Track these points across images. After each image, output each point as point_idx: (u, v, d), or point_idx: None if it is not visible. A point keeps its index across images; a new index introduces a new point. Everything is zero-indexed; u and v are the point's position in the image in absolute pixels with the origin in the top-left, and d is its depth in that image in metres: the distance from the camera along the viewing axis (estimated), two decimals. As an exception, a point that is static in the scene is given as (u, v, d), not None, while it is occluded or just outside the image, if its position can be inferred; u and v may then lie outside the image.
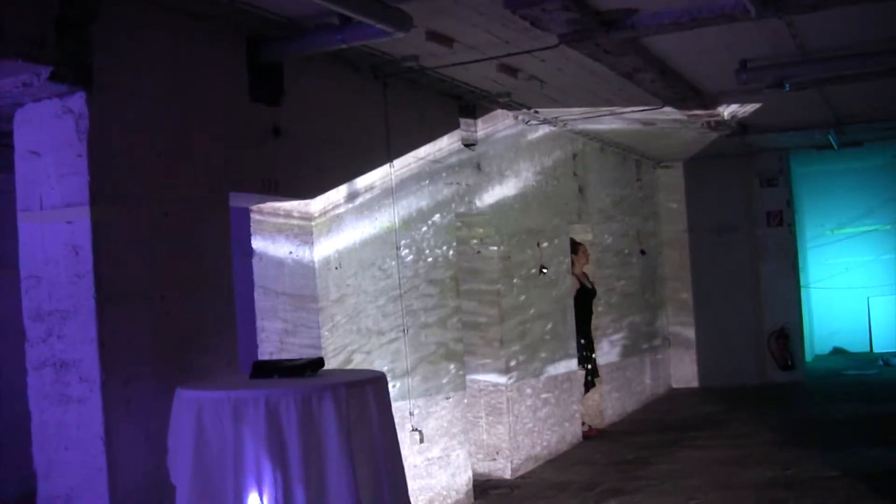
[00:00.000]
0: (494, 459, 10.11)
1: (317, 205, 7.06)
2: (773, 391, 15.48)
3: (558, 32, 7.05)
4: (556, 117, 11.09)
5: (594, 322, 12.79)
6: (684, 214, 16.73)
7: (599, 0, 6.62)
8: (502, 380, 10.09)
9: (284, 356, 6.86)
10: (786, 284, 16.40)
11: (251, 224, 7.15)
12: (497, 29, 7.01)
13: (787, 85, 8.91)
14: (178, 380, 5.31)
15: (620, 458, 10.86)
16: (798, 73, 8.86)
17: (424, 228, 8.54)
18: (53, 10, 4.88)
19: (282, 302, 7.08)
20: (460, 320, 9.22)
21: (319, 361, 5.53)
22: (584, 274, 12.69)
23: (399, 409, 7.65)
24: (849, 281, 19.74)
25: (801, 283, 17.20)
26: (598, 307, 12.97)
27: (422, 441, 8.20)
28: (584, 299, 12.47)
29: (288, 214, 7.03)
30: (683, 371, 16.55)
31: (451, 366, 8.84)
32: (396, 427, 5.54)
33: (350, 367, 7.24)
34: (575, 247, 12.41)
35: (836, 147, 14.78)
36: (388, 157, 8.04)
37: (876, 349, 19.38)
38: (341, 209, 7.36)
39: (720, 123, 12.04)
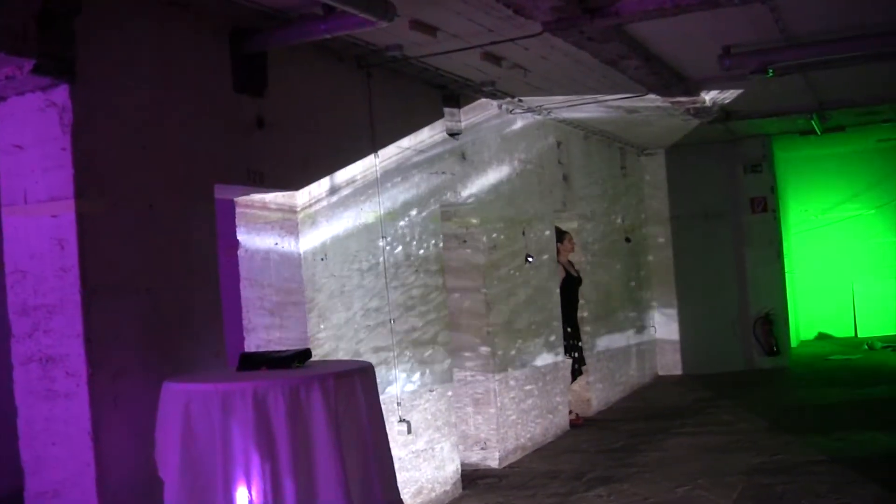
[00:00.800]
0: (483, 449, 10.11)
1: (302, 196, 7.05)
2: (758, 377, 15.52)
3: (542, 20, 7.04)
4: (541, 106, 11.09)
5: (579, 310, 12.79)
6: (669, 202, 16.75)
7: (583, -13, 6.63)
8: (489, 369, 10.09)
9: (271, 348, 6.84)
10: (771, 270, 16.45)
11: (236, 216, 7.12)
12: (480, 17, 7.00)
13: (771, 70, 8.91)
14: (165, 373, 5.29)
15: (608, 447, 10.87)
16: (781, 59, 8.87)
17: (409, 219, 8.53)
18: (36, 3, 4.84)
19: (268, 293, 7.06)
20: (446, 310, 9.21)
21: (307, 353, 5.51)
22: (570, 262, 12.69)
23: (386, 400, 7.64)
24: (833, 266, 19.79)
25: (786, 268, 17.24)
26: (583, 295, 12.96)
27: (409, 432, 8.20)
28: (570, 287, 12.47)
29: (273, 206, 7.01)
30: (669, 358, 16.57)
31: (438, 356, 8.84)
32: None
33: (337, 357, 7.22)
34: (560, 235, 12.40)
35: (819, 132, 14.79)
36: (373, 147, 8.02)
37: (861, 334, 19.47)
38: (326, 200, 7.34)
39: (701, 110, 12.04)
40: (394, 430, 7.83)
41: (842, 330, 19.85)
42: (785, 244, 17.43)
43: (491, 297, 10.17)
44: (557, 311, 11.94)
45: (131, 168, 5.43)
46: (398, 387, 8.13)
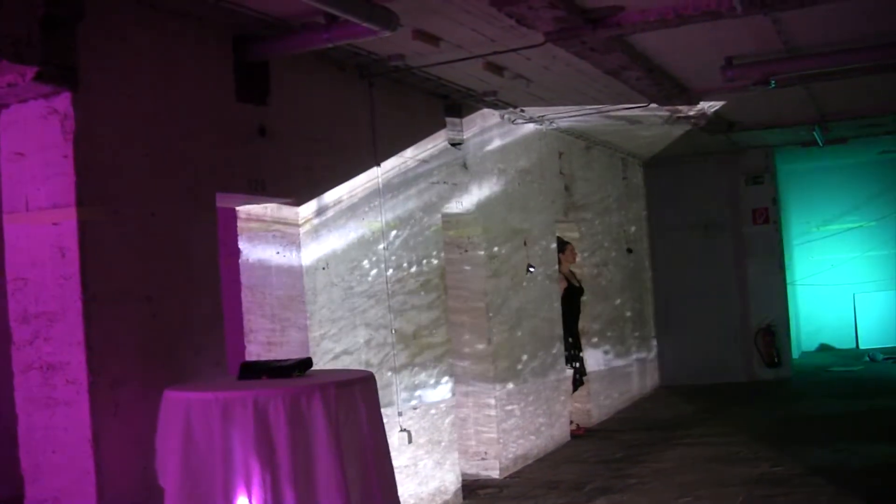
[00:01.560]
0: (483, 459, 10.10)
1: (304, 205, 7.04)
2: (760, 388, 15.52)
3: (544, 30, 7.04)
4: (543, 116, 11.09)
5: (581, 320, 12.78)
6: (671, 212, 16.75)
7: (585, -3, 6.63)
8: (490, 379, 10.08)
9: (272, 356, 6.83)
10: (772, 282, 16.45)
11: (238, 225, 7.12)
12: (483, 27, 7.00)
13: (773, 82, 8.92)
14: (165, 381, 5.28)
15: (609, 457, 10.86)
16: (784, 70, 8.87)
17: (411, 228, 8.53)
18: (39, 10, 4.85)
19: (269, 302, 7.05)
20: (448, 319, 9.21)
21: (308, 362, 5.51)
22: (572, 272, 12.70)
23: (386, 409, 7.63)
24: (835, 278, 19.78)
25: (788, 280, 17.24)
26: (585, 305, 12.96)
27: (410, 441, 8.19)
28: (572, 298, 12.47)
29: (275, 215, 7.00)
30: (671, 369, 16.56)
31: (440, 365, 8.83)
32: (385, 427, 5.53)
33: (338, 367, 7.21)
34: (562, 245, 12.41)
35: (821, 144, 14.80)
36: (375, 156, 8.02)
37: (862, 345, 19.46)
38: (328, 209, 7.34)
39: (696, 117, 12.04)
40: (394, 440, 7.83)
41: (843, 341, 19.83)
42: (786, 255, 17.42)
43: (492, 307, 10.16)
44: (558, 321, 11.93)
45: (133, 176, 5.43)
46: (401, 395, 8.12)
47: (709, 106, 11.48)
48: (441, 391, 8.83)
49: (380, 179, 8.06)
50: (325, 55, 7.16)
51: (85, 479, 5.04)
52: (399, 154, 8.41)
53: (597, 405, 13.21)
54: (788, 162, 17.91)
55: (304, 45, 6.50)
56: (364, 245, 7.79)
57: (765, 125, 13.52)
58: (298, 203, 6.98)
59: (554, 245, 12.05)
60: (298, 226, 6.99)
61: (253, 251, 7.09)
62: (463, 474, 9.36)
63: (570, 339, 12.32)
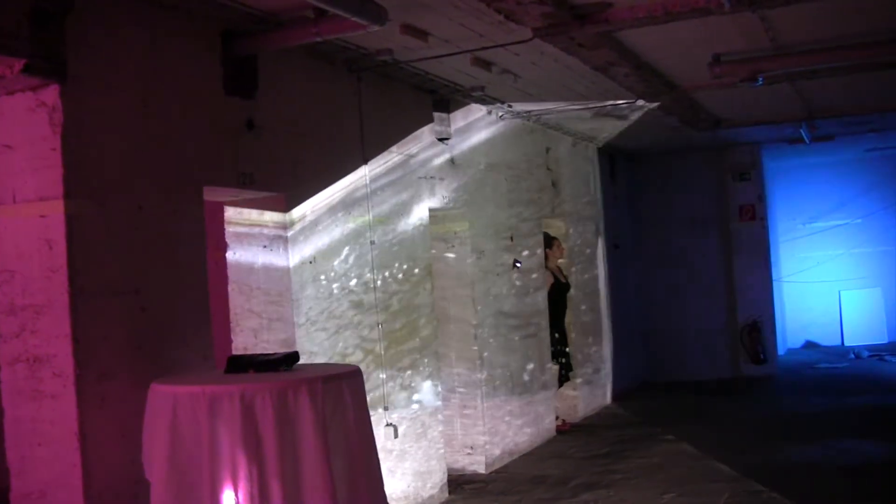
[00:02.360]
0: (469, 454, 10.11)
1: (291, 200, 7.04)
2: (746, 385, 15.56)
3: (532, 26, 7.05)
4: (530, 111, 11.09)
5: (567, 316, 12.80)
6: (657, 209, 16.78)
7: (574, -7, 6.64)
8: (476, 374, 10.09)
9: (259, 351, 6.83)
10: (758, 278, 16.50)
11: (225, 218, 7.12)
12: (471, 22, 7.00)
13: (761, 79, 8.94)
14: (152, 374, 5.28)
15: (594, 452, 10.88)
16: (771, 67, 8.90)
17: (398, 222, 8.53)
18: (27, 3, 4.84)
19: (256, 296, 7.05)
20: (434, 314, 9.21)
21: (295, 356, 5.51)
22: (559, 268, 12.71)
23: (373, 403, 7.64)
24: (820, 275, 19.83)
25: (774, 276, 17.29)
26: (571, 300, 12.97)
27: (396, 436, 8.19)
28: (559, 294, 12.49)
29: (262, 209, 7.00)
30: (657, 364, 16.59)
31: (426, 360, 8.84)
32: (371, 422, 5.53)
33: (324, 361, 7.21)
34: (549, 241, 12.42)
35: (808, 141, 14.84)
36: (363, 150, 8.02)
37: (847, 343, 19.50)
38: (315, 203, 7.34)
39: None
40: (380, 434, 7.83)
41: (828, 338, 19.89)
42: (773, 252, 17.46)
43: (478, 302, 10.16)
44: (545, 316, 11.94)
45: (121, 169, 5.42)
46: (387, 390, 8.12)
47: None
48: (427, 386, 8.83)
49: (367, 174, 8.05)
50: (314, 49, 7.15)
51: (71, 473, 5.04)
52: (387, 148, 8.41)
53: (582, 400, 13.21)
54: (775, 159, 17.95)
55: (293, 39, 6.49)
56: (351, 239, 7.78)
57: (752, 122, 13.54)
58: (286, 196, 6.98)
59: (541, 240, 12.05)
60: (286, 220, 6.98)
61: (240, 244, 7.08)
62: (449, 469, 9.36)
63: (557, 335, 12.34)
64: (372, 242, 8.05)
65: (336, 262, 7.57)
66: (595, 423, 12.86)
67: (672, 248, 16.70)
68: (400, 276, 8.50)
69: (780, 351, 17.80)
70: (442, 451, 9.05)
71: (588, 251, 14.01)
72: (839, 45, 8.51)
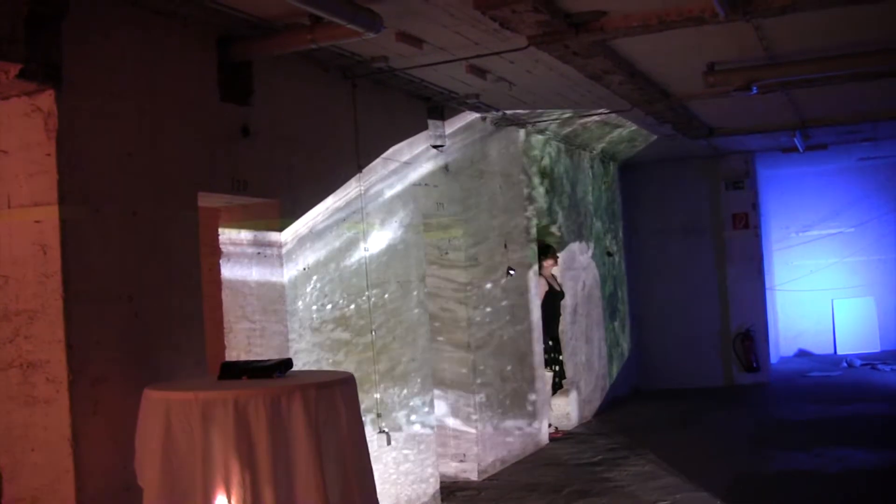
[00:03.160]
0: (462, 461, 10.10)
1: (285, 207, 7.04)
2: (738, 393, 15.58)
3: (528, 34, 7.06)
4: (525, 119, 11.11)
5: (561, 324, 12.81)
6: (650, 217, 16.80)
7: (569, 2, 6.64)
8: (469, 381, 10.09)
9: (252, 357, 6.83)
10: (751, 287, 16.52)
11: (219, 225, 7.12)
12: (467, 30, 7.01)
13: (755, 87, 8.96)
14: (145, 380, 5.28)
15: (587, 460, 10.88)
16: (765, 76, 8.92)
17: (392, 229, 8.53)
18: (23, 8, 4.83)
19: (250, 303, 7.05)
20: (428, 321, 9.21)
21: (288, 362, 5.51)
22: (553, 276, 12.72)
23: (366, 410, 7.64)
24: (813, 283, 19.86)
25: (767, 285, 17.30)
26: (565, 308, 12.98)
27: (389, 443, 8.19)
28: (552, 301, 12.50)
29: (256, 215, 7.00)
30: (649, 373, 16.60)
31: (419, 367, 8.83)
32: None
33: (318, 368, 7.21)
34: (544, 249, 12.43)
35: (801, 150, 14.87)
36: (357, 157, 8.03)
37: (840, 351, 19.53)
38: (309, 210, 7.34)
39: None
40: (374, 441, 7.83)
41: (821, 347, 19.91)
42: (766, 261, 17.48)
43: (473, 308, 10.17)
44: (538, 325, 11.95)
45: (115, 175, 5.42)
46: (380, 396, 8.12)
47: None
48: (420, 392, 8.83)
49: (361, 180, 8.06)
50: (309, 56, 7.16)
51: (64, 478, 5.03)
52: (381, 155, 8.42)
53: (576, 408, 13.21)
54: (769, 167, 17.99)
55: (288, 45, 6.50)
56: (344, 245, 7.78)
57: (746, 130, 13.58)
58: (280, 203, 6.98)
59: (535, 248, 12.06)
60: (279, 226, 6.99)
61: (234, 251, 7.08)
62: (441, 476, 9.36)
63: (550, 343, 12.35)
64: (366, 249, 8.05)
65: (329, 269, 7.56)
66: (588, 431, 12.86)
67: (665, 256, 16.72)
68: (394, 282, 8.50)
69: (773, 359, 17.82)
70: (435, 457, 9.05)
71: (581, 258, 14.01)
72: (833, 54, 8.54)
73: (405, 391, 8.57)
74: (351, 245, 7.87)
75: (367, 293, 8.03)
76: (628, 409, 14.73)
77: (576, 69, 8.34)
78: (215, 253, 7.11)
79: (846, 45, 8.40)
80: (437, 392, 9.66)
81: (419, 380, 8.82)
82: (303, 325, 7.14)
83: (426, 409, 8.94)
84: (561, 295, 12.75)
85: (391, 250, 8.48)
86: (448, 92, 9.08)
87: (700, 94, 10.21)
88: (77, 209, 5.13)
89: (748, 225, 16.55)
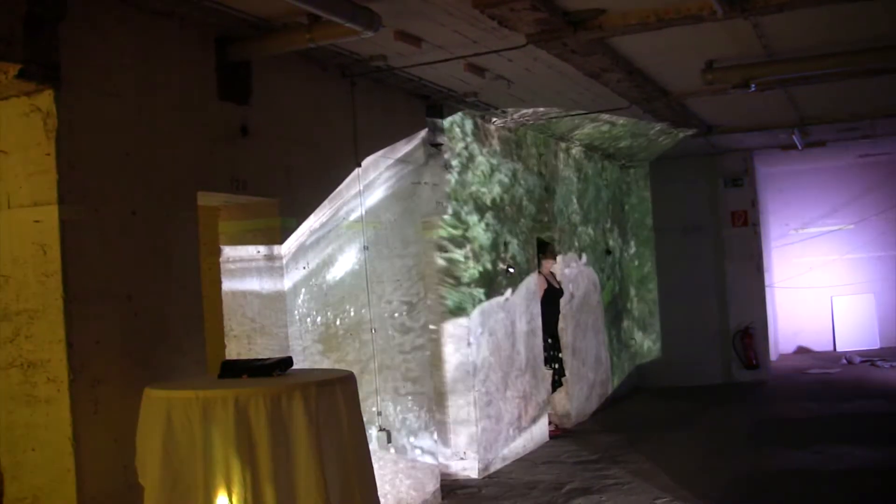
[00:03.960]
0: (462, 459, 10.11)
1: (284, 206, 7.04)
2: (737, 390, 15.57)
3: (526, 32, 7.07)
4: (523, 117, 11.10)
5: (561, 321, 12.81)
6: (650, 214, 16.81)
7: (567, 0, 6.65)
8: (470, 378, 10.09)
9: (253, 356, 6.83)
10: (751, 284, 16.53)
11: (219, 223, 7.12)
12: (465, 28, 7.02)
13: (753, 85, 8.97)
14: (146, 379, 5.29)
15: (587, 458, 10.89)
16: (763, 74, 8.92)
17: (391, 228, 8.54)
18: (21, 8, 4.86)
19: (249, 301, 7.06)
20: (428, 318, 9.22)
21: (288, 361, 5.52)
22: (552, 273, 12.72)
23: (367, 408, 7.64)
24: (813, 280, 19.87)
25: (766, 282, 17.31)
26: (564, 306, 12.99)
27: (389, 441, 8.20)
28: (551, 299, 12.50)
29: (255, 215, 7.01)
30: (649, 370, 16.61)
31: (419, 364, 8.84)
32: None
33: (318, 366, 7.22)
34: (542, 247, 12.43)
35: (800, 147, 14.88)
36: (356, 156, 8.03)
37: (839, 348, 19.52)
38: (308, 208, 7.35)
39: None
40: (374, 439, 7.84)
41: (821, 344, 19.91)
42: (765, 258, 17.49)
43: (472, 307, 10.17)
44: (538, 322, 11.95)
45: (115, 174, 5.43)
46: (380, 395, 8.13)
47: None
48: (420, 390, 8.84)
49: (360, 178, 8.06)
50: (308, 55, 7.17)
51: (65, 477, 5.04)
52: (380, 153, 8.42)
53: (575, 406, 13.21)
54: (768, 165, 18.00)
55: (287, 44, 6.51)
56: (343, 244, 7.79)
57: (744, 128, 13.58)
58: (279, 202, 6.98)
59: (534, 245, 12.06)
60: (278, 225, 7.00)
61: (233, 249, 7.09)
62: (442, 474, 9.37)
63: (550, 340, 12.35)
64: (365, 247, 8.06)
65: (329, 267, 7.57)
66: (588, 429, 12.87)
67: (664, 254, 16.72)
68: (393, 280, 8.50)
69: (773, 356, 17.83)
70: (435, 455, 9.05)
71: (582, 256, 14.01)
72: (831, 51, 8.54)
73: (405, 390, 8.57)
74: (350, 242, 7.87)
75: (367, 293, 8.03)
76: (628, 406, 14.74)
77: (574, 67, 8.34)
78: (215, 252, 7.12)
79: (845, 42, 8.40)
80: (437, 389, 9.65)
81: (419, 378, 8.82)
82: (303, 323, 7.15)
83: (426, 407, 8.94)
84: (560, 293, 12.74)
85: (391, 250, 8.49)
86: (447, 90, 9.08)
87: (698, 92, 10.21)
88: (76, 209, 5.14)
89: (747, 222, 16.55)
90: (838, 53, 8.56)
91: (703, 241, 16.68)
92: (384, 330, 8.26)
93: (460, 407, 9.77)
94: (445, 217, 9.59)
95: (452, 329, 9.99)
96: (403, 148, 8.80)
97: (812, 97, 11.21)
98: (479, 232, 9.88)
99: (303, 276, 7.20)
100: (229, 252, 7.09)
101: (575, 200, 13.81)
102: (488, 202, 10.58)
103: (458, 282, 8.95)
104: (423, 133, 9.23)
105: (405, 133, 8.93)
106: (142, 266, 5.59)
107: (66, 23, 5.12)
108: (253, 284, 7.04)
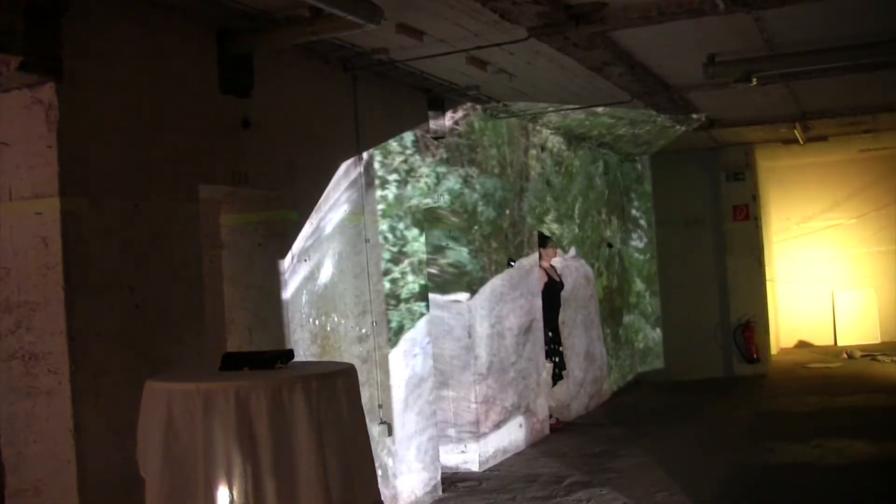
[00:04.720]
0: (463, 452, 10.12)
1: (285, 199, 7.05)
2: (738, 384, 15.57)
3: (528, 25, 7.07)
4: (524, 110, 11.11)
5: (562, 315, 12.81)
6: (651, 208, 16.81)
7: (569, -6, 6.67)
8: (470, 372, 10.10)
9: (254, 348, 6.84)
10: (752, 278, 16.52)
11: (220, 216, 7.13)
12: (467, 22, 7.02)
13: (754, 79, 8.96)
14: (147, 372, 5.28)
15: (588, 451, 10.89)
16: (765, 68, 8.92)
17: (393, 220, 8.54)
18: (23, 1, 4.86)
19: (251, 294, 7.06)
20: (429, 311, 9.22)
21: (289, 353, 5.51)
22: (553, 267, 12.72)
23: (367, 401, 7.64)
24: (814, 275, 19.86)
25: (767, 276, 17.31)
26: (565, 300, 12.99)
27: (390, 434, 8.21)
28: (552, 292, 12.49)
29: (257, 208, 7.01)
30: (650, 363, 16.61)
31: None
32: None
33: (319, 358, 7.23)
34: (543, 240, 12.43)
35: (801, 142, 14.87)
36: (358, 148, 8.03)
37: (840, 342, 19.51)
38: (310, 202, 7.35)
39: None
40: (375, 432, 7.85)
41: (821, 338, 19.91)
42: (766, 252, 17.49)
43: (472, 299, 10.17)
44: (539, 315, 11.95)
45: (116, 167, 5.44)
46: (381, 388, 8.13)
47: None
48: (421, 383, 8.84)
49: (362, 171, 8.06)
50: (309, 48, 7.17)
51: (66, 469, 5.06)
52: (382, 146, 8.42)
53: (576, 399, 13.21)
54: (769, 159, 17.98)
55: (289, 37, 6.53)
56: (345, 236, 7.79)
57: (746, 122, 13.58)
58: (280, 195, 6.99)
59: (535, 239, 12.06)
60: (279, 218, 7.00)
61: (234, 242, 7.10)
62: (442, 467, 9.37)
63: (551, 334, 12.35)
64: (366, 240, 8.06)
65: (330, 260, 7.58)
66: (588, 422, 12.88)
67: (665, 248, 16.73)
68: (395, 273, 8.51)
69: (773, 350, 17.82)
70: (436, 448, 9.06)
71: (582, 251, 14.00)
72: (833, 45, 8.54)
73: (407, 383, 8.58)
74: (352, 235, 7.87)
75: (367, 286, 8.02)
76: (628, 400, 14.74)
77: (576, 61, 8.34)
78: (216, 244, 7.12)
79: (847, 36, 8.40)
80: (438, 381, 9.65)
81: (420, 371, 8.82)
82: (304, 315, 7.15)
83: (427, 400, 8.95)
84: (560, 286, 12.74)
85: (392, 243, 8.49)
86: (448, 83, 9.09)
87: (700, 86, 10.20)
88: (78, 201, 5.15)
89: (749, 216, 16.55)
90: (840, 48, 8.57)
91: (704, 234, 16.67)
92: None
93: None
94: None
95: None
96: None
97: (813, 91, 11.20)
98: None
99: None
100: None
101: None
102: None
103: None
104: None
105: (407, 126, 8.93)
106: (143, 258, 5.60)
107: (68, 15, 5.12)
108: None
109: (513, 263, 11.14)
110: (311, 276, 7.31)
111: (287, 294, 7.01)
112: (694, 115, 12.03)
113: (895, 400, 13.13)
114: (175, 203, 5.89)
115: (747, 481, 9.03)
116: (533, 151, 12.27)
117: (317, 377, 4.94)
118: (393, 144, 8.62)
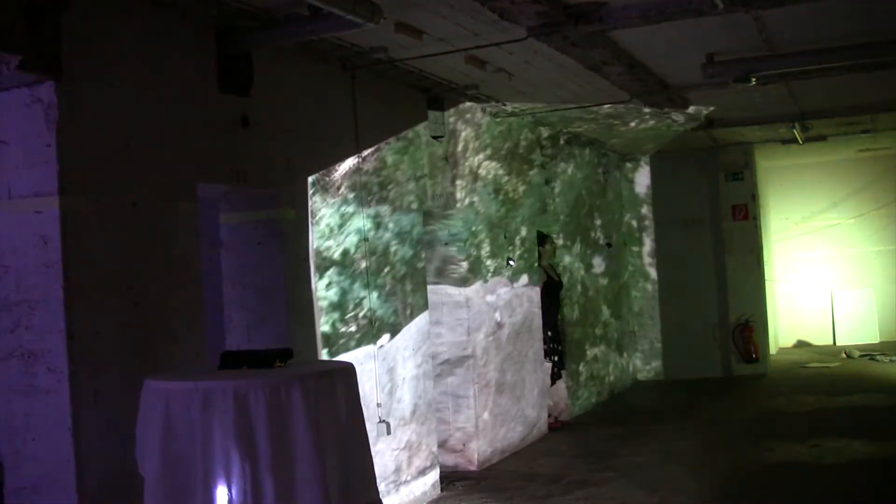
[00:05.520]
0: (461, 451, 10.12)
1: (284, 198, 7.05)
2: (737, 383, 15.58)
3: (527, 25, 7.07)
4: (523, 110, 11.11)
5: (561, 314, 12.81)
6: (650, 208, 16.81)
7: (568, -7, 6.67)
8: (469, 371, 10.10)
9: (252, 347, 6.84)
10: (751, 278, 16.53)
11: (220, 215, 7.13)
12: (466, 21, 7.02)
13: (753, 79, 8.96)
14: (146, 370, 5.30)
15: (586, 450, 10.90)
16: (764, 68, 8.93)
17: (392, 221, 8.54)
18: (23, -1, 4.87)
19: (250, 293, 7.06)
20: (427, 311, 9.22)
21: (288, 352, 5.52)
22: (551, 266, 12.72)
23: (366, 400, 7.64)
24: (813, 275, 19.87)
25: (766, 276, 17.31)
26: (564, 299, 12.99)
27: (389, 432, 8.21)
28: (552, 291, 12.50)
29: (256, 206, 7.01)
30: (648, 363, 16.63)
31: (419, 357, 8.85)
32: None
33: (318, 357, 7.23)
34: (542, 239, 12.44)
35: (800, 141, 14.88)
36: (357, 148, 8.03)
37: (839, 342, 19.52)
38: (309, 201, 7.35)
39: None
40: (374, 431, 7.85)
41: (820, 338, 19.92)
42: (765, 252, 17.49)
43: (472, 299, 10.18)
44: (538, 314, 11.95)
45: (115, 165, 5.44)
46: (379, 386, 8.14)
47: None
48: (419, 381, 8.85)
49: (361, 171, 8.06)
50: (309, 47, 7.17)
51: (65, 468, 5.05)
52: (381, 145, 8.42)
53: (575, 398, 13.22)
54: (768, 158, 18.00)
55: (288, 36, 6.52)
56: (344, 236, 7.80)
57: (745, 122, 13.58)
58: (279, 194, 6.99)
59: (534, 238, 12.06)
60: (279, 217, 7.00)
61: (233, 241, 7.09)
62: (441, 466, 9.38)
63: (550, 333, 12.35)
64: (365, 239, 8.07)
65: (329, 259, 7.58)
66: (587, 421, 12.89)
67: (664, 247, 16.73)
68: (393, 273, 8.51)
69: (772, 350, 17.83)
70: (434, 447, 9.07)
71: (581, 250, 14.00)
72: (832, 45, 8.54)
73: (405, 382, 8.58)
74: (351, 235, 7.87)
75: (366, 285, 8.03)
76: (627, 398, 14.76)
77: (575, 60, 8.34)
78: (215, 243, 7.12)
79: (846, 36, 8.40)
80: (437, 381, 9.66)
81: (419, 370, 8.83)
82: (303, 314, 7.15)
83: (426, 399, 8.95)
84: (560, 285, 12.76)
85: (391, 242, 8.49)
86: (447, 82, 9.09)
87: (699, 86, 10.20)
88: (77, 200, 5.14)
89: (748, 216, 16.55)
90: (839, 48, 8.57)
91: (703, 234, 16.68)
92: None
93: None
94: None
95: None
96: (404, 139, 8.75)
97: (813, 91, 11.20)
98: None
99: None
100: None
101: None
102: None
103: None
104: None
105: (406, 125, 8.93)
106: (142, 257, 5.60)
107: (68, 14, 5.12)
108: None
109: (511, 263, 11.14)
110: (312, 274, 7.31)
111: (286, 291, 6.99)
112: (690, 111, 11.98)
113: (894, 400, 13.14)
114: (174, 201, 5.89)
115: (746, 481, 9.04)
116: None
117: (315, 376, 4.95)
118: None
